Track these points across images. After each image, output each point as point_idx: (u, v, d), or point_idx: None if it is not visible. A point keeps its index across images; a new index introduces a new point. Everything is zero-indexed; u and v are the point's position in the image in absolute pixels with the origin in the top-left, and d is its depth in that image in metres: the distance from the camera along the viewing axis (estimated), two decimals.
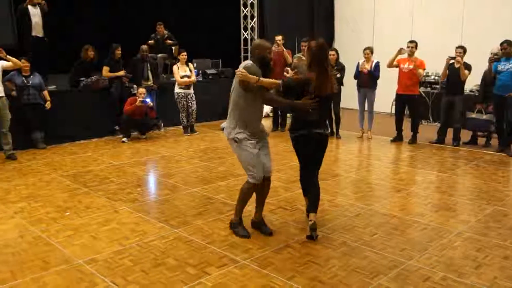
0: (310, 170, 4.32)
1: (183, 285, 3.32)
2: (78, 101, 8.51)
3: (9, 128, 6.95)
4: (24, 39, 8.25)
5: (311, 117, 4.03)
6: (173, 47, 10.47)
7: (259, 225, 4.30)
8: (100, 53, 8.85)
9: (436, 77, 10.07)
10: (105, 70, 8.64)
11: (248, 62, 4.00)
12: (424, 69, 8.01)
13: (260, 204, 4.30)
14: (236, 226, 4.23)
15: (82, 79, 8.62)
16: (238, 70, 3.87)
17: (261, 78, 3.86)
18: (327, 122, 4.41)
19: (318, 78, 3.96)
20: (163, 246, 3.98)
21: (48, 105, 7.73)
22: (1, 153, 7.08)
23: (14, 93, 7.48)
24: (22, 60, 7.29)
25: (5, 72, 7.09)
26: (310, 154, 4.25)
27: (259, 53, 4.01)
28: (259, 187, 4.15)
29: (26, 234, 4.25)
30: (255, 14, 11.85)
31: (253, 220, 4.36)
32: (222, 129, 4.42)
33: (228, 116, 4.06)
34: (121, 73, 8.68)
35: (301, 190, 5.48)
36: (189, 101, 8.99)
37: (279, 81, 4.02)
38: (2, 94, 6.81)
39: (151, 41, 10.04)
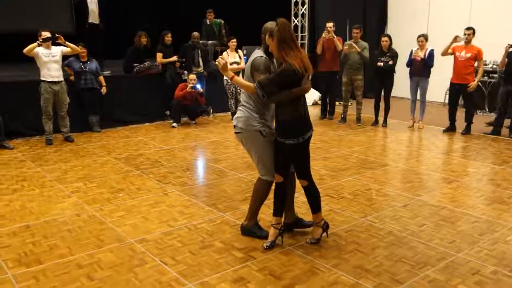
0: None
1: (229, 268, 3.40)
2: (131, 86, 8.79)
3: (67, 112, 7.29)
4: (81, 26, 8.60)
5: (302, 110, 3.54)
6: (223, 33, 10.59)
7: (297, 224, 4.00)
8: (152, 39, 9.07)
9: (494, 66, 9.63)
10: (159, 57, 8.84)
11: (258, 55, 3.55)
12: (482, 58, 7.67)
13: (291, 204, 3.96)
14: (252, 228, 3.89)
15: (135, 65, 8.89)
16: (219, 59, 3.57)
17: (236, 77, 3.54)
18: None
19: (304, 58, 3.44)
20: (210, 229, 4.08)
21: (103, 90, 8.04)
22: (59, 135, 7.44)
23: (72, 78, 7.83)
24: (79, 46, 7.58)
25: (64, 57, 7.40)
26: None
27: (263, 39, 3.52)
28: (289, 185, 3.78)
29: (82, 212, 4.48)
30: (306, 0, 11.72)
31: (285, 223, 3.92)
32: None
33: (244, 106, 3.64)
34: (174, 58, 8.86)
35: (347, 178, 5.48)
36: (238, 88, 9.06)
37: (254, 85, 3.41)
38: (61, 78, 7.13)
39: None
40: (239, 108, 3.72)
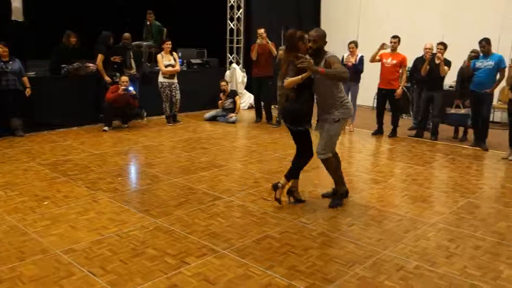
0: None
1: (162, 275, 3.33)
2: (58, 88, 8.34)
3: None
4: (2, 24, 8.10)
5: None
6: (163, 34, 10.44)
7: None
8: (82, 39, 8.68)
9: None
10: (100, 59, 8.41)
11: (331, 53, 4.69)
12: (406, 65, 8.10)
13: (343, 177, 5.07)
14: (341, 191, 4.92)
15: (63, 66, 8.49)
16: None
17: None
18: None
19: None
20: (142, 236, 3.98)
21: (27, 91, 7.60)
22: None
23: None
24: (0, 45, 7.14)
25: None
26: None
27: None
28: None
29: (1, 223, 4.19)
30: (242, 4, 11.78)
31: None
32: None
33: (327, 104, 4.58)
34: (108, 79, 8.44)
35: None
36: (173, 91, 8.93)
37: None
38: None
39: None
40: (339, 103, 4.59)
